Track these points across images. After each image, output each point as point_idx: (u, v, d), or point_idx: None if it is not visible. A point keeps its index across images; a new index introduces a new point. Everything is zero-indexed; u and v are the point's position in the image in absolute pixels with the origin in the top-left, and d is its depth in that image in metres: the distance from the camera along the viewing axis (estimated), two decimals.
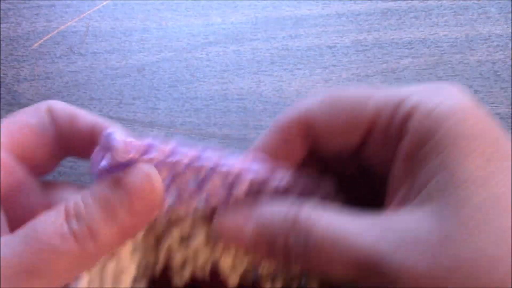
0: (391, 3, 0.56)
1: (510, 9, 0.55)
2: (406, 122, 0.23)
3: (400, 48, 0.53)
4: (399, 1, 0.56)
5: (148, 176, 0.24)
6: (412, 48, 0.53)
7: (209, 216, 0.28)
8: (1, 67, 0.52)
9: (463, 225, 0.20)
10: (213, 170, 0.27)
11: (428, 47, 0.53)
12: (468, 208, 0.20)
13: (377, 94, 0.26)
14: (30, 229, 0.23)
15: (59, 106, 0.30)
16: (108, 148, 0.25)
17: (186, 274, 0.29)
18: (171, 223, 0.28)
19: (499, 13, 0.55)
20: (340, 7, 0.56)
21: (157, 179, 0.25)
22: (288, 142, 0.28)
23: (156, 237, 0.29)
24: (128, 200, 0.24)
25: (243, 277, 0.29)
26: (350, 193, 0.30)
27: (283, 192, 0.28)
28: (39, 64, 0.52)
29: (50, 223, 0.23)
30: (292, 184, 0.29)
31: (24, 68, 0.52)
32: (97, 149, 0.26)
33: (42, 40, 0.53)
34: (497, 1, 0.55)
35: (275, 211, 0.25)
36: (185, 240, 0.29)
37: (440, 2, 0.56)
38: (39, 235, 0.22)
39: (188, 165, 0.26)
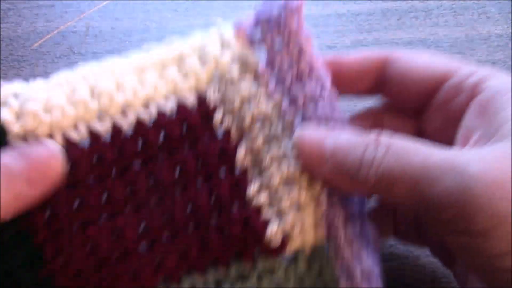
0: (391, 3, 0.56)
1: (510, 9, 0.55)
2: (481, 83, 0.29)
3: (400, 48, 0.53)
4: (399, 1, 0.56)
5: (51, 153, 0.27)
6: (412, 48, 0.53)
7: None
8: (1, 67, 0.52)
9: None
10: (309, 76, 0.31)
11: (428, 47, 0.53)
12: None
13: (450, 61, 0.31)
14: None
15: None
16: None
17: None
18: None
19: (499, 13, 0.55)
20: (340, 7, 0.56)
21: (59, 157, 0.27)
22: (363, 66, 0.33)
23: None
24: (28, 171, 0.25)
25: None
26: None
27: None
28: (39, 64, 0.52)
29: None
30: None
31: (24, 68, 0.52)
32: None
33: (42, 40, 0.53)
34: (497, 1, 0.55)
35: (358, 132, 0.28)
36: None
37: (440, 2, 0.56)
38: None
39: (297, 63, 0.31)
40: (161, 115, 0.29)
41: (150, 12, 0.55)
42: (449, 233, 0.25)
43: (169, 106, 0.30)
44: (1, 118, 0.27)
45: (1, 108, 0.27)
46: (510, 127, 0.26)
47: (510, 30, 0.53)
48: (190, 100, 0.30)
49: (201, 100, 0.30)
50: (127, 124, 0.29)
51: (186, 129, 0.30)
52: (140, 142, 0.29)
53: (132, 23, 0.55)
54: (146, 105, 0.30)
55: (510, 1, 0.55)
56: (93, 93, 0.29)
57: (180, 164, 0.29)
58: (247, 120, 0.30)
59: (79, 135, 0.28)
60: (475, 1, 0.56)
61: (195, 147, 0.30)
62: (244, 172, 0.30)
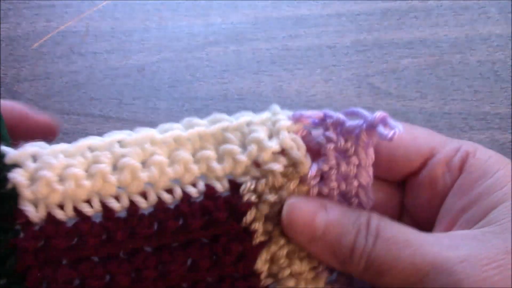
0: (391, 3, 0.56)
1: (510, 9, 0.55)
2: (464, 163, 0.29)
3: (400, 48, 0.53)
4: (399, 1, 0.56)
5: None
6: (412, 48, 0.53)
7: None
8: (1, 67, 0.52)
9: None
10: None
11: (428, 47, 0.53)
12: None
13: (434, 136, 0.31)
14: None
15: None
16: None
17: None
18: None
19: (499, 13, 0.55)
20: (340, 7, 0.56)
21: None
22: None
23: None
24: None
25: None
26: None
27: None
28: (39, 64, 0.52)
29: None
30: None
31: (24, 68, 0.52)
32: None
33: (42, 40, 0.54)
34: (497, 1, 0.55)
35: (348, 210, 0.28)
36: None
37: (440, 2, 0.56)
38: None
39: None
40: (185, 198, 0.27)
41: (150, 12, 0.55)
42: None
43: (197, 188, 0.27)
44: (15, 180, 0.25)
45: (17, 169, 0.25)
46: (501, 212, 0.26)
47: (510, 30, 0.53)
48: (222, 185, 0.27)
49: (234, 188, 0.27)
50: (146, 203, 0.26)
51: (208, 220, 0.27)
52: (156, 226, 0.27)
53: (132, 23, 0.55)
54: (171, 186, 0.27)
55: (510, 1, 0.55)
56: (115, 166, 0.26)
57: (193, 257, 0.27)
58: (280, 228, 0.28)
59: (92, 209, 0.26)
60: (475, 1, 0.55)
61: (215, 241, 0.27)
62: (258, 276, 0.28)
